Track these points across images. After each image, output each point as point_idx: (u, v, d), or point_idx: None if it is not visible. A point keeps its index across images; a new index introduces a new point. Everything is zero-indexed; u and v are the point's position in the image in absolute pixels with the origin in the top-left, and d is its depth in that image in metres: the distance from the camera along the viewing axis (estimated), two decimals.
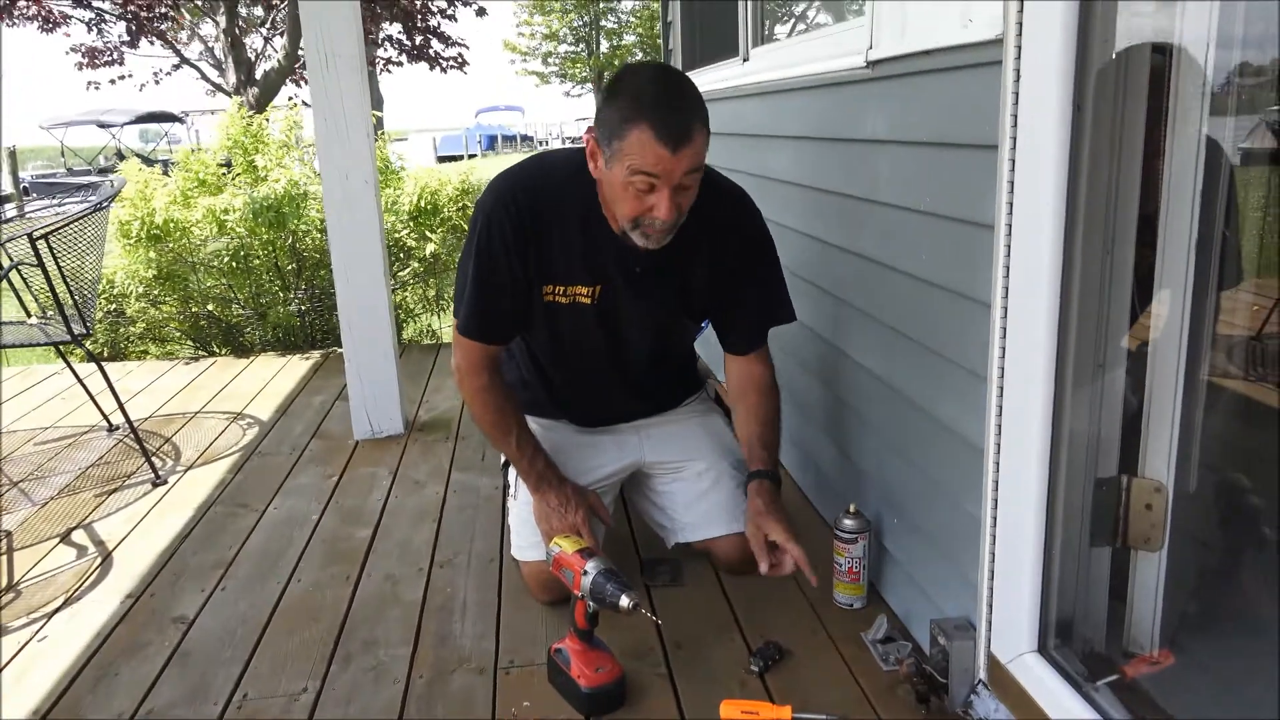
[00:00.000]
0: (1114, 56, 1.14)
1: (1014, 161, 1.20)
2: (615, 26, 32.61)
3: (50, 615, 1.91)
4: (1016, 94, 1.18)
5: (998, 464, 1.32)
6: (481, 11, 14.90)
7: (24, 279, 2.86)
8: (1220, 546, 1.42)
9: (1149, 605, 1.31)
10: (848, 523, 1.76)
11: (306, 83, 2.69)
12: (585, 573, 1.50)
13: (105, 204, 2.79)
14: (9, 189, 12.08)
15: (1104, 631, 1.34)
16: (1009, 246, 1.24)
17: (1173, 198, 1.17)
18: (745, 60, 2.81)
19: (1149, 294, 1.24)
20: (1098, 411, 1.28)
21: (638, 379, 1.92)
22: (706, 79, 3.36)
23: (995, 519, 1.34)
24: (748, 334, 1.87)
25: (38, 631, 1.85)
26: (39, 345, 2.91)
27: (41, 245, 2.44)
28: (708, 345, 2.68)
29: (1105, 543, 1.32)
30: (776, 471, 1.83)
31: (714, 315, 1.90)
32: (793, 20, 3.06)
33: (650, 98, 1.49)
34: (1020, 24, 1.16)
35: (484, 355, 1.77)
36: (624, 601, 1.44)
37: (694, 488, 1.93)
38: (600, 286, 1.73)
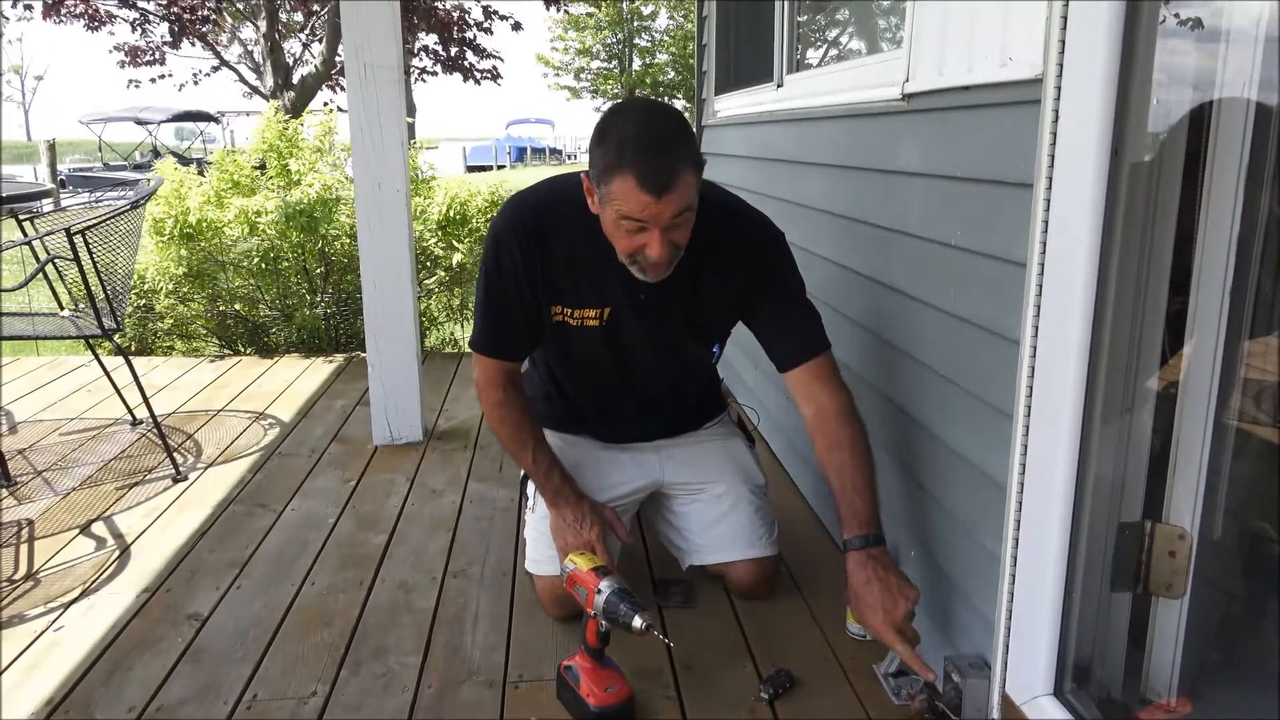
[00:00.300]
0: (1154, 100, 1.14)
1: (1049, 201, 1.20)
2: (649, 45, 32.83)
3: (67, 606, 1.93)
4: (1055, 134, 1.18)
5: (1020, 503, 1.31)
6: (517, 26, 15.05)
7: (59, 271, 2.91)
8: (1244, 596, 1.40)
9: (1168, 653, 1.29)
10: None
11: (342, 89, 2.75)
12: (599, 591, 1.49)
13: (142, 202, 2.83)
14: (48, 183, 12.29)
15: (1121, 677, 1.33)
16: (1040, 285, 1.23)
17: (1208, 242, 1.16)
18: (779, 86, 2.82)
19: (1180, 338, 1.24)
20: (1124, 454, 1.27)
21: (652, 400, 1.93)
22: (739, 103, 3.38)
23: (1015, 558, 1.33)
24: (784, 352, 1.79)
25: (54, 621, 1.87)
26: (69, 338, 2.95)
27: (78, 240, 2.48)
28: (728, 367, 2.68)
29: (1126, 588, 1.30)
30: (872, 534, 1.61)
31: (757, 334, 1.85)
32: (826, 47, 3.07)
33: (633, 144, 1.47)
34: (1061, 65, 1.16)
35: (499, 371, 1.79)
36: (637, 622, 1.44)
37: (712, 511, 1.93)
38: (608, 309, 1.74)
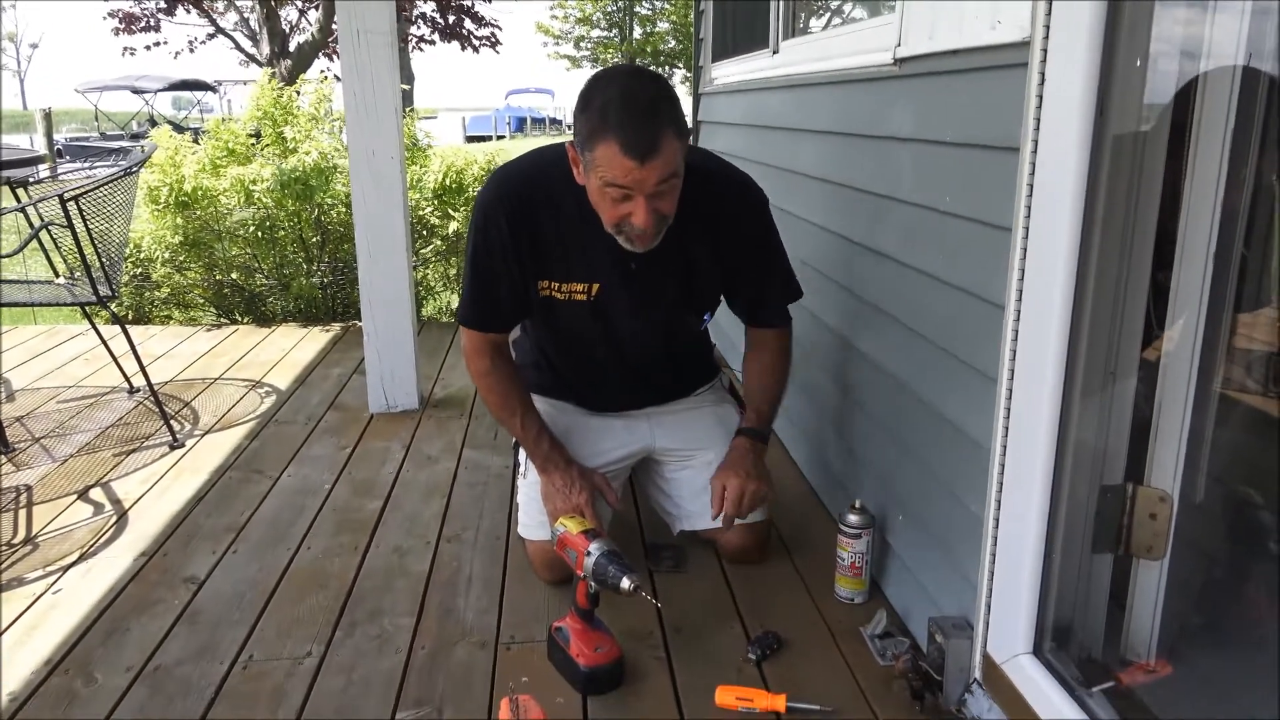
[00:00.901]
0: (1140, 63, 1.14)
1: (1034, 164, 1.20)
2: (649, 13, 32.46)
3: (65, 569, 1.95)
4: (1040, 96, 1.18)
5: (1003, 465, 1.32)
6: None
7: (54, 239, 2.90)
8: (1224, 559, 1.42)
9: (1148, 614, 1.31)
10: (852, 518, 1.76)
11: (339, 56, 2.71)
12: (589, 554, 1.51)
13: (135, 169, 2.83)
14: (43, 150, 12.23)
15: (1101, 638, 1.35)
16: (1025, 249, 1.24)
17: (1192, 210, 1.16)
18: (775, 52, 2.80)
19: (1165, 304, 1.24)
20: (1107, 418, 1.28)
21: (641, 371, 1.93)
22: (736, 70, 3.36)
23: (997, 520, 1.35)
24: (764, 315, 1.90)
25: (53, 584, 1.89)
26: (65, 305, 2.96)
27: (71, 207, 2.48)
28: (719, 331, 2.68)
29: (1107, 549, 1.32)
30: (765, 430, 1.87)
31: (728, 299, 1.90)
32: (826, 14, 3.05)
33: (616, 110, 1.46)
34: (1048, 27, 1.16)
35: (486, 342, 1.80)
36: (625, 583, 1.46)
37: (702, 476, 1.94)
38: (597, 284, 1.74)
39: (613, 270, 1.72)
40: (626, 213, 1.53)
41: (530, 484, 1.88)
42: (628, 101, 1.47)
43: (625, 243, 1.60)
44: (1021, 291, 1.25)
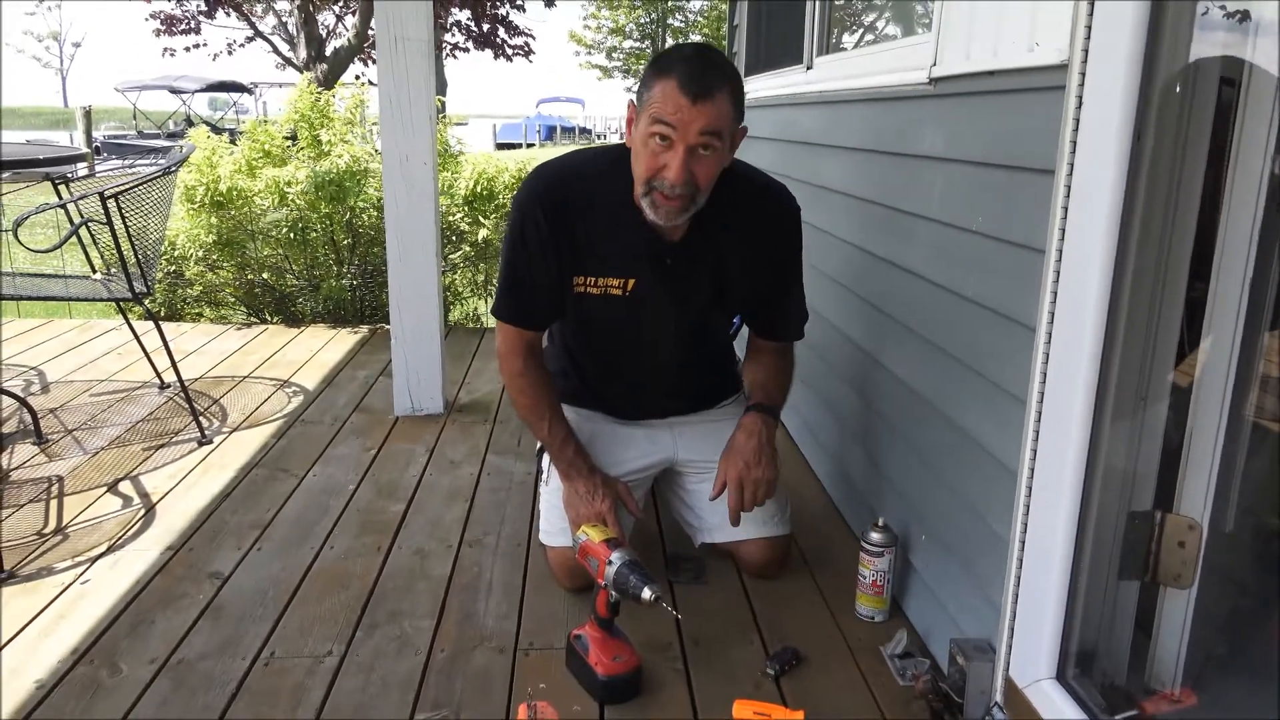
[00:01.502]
0: (1179, 88, 1.13)
1: (1069, 187, 1.20)
2: (682, 25, 32.59)
3: (93, 560, 1.98)
4: (1078, 120, 1.18)
5: (1030, 488, 1.32)
6: (550, 2, 15.00)
7: (92, 235, 2.96)
8: (1253, 589, 1.40)
9: (1174, 643, 1.29)
10: (875, 536, 1.76)
11: (374, 62, 2.75)
12: (610, 562, 1.52)
13: (174, 168, 2.87)
14: (83, 147, 12.45)
15: (1126, 665, 1.33)
16: (1058, 272, 1.23)
17: (1230, 231, 1.15)
18: (809, 68, 2.81)
19: (1198, 329, 1.23)
20: (1137, 444, 1.27)
21: (670, 374, 1.95)
22: (769, 84, 3.37)
23: (1024, 543, 1.34)
24: (782, 330, 1.94)
25: (81, 574, 1.92)
26: (101, 300, 3.01)
27: (111, 205, 2.52)
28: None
29: (1134, 576, 1.31)
30: (775, 409, 1.86)
31: (747, 309, 1.92)
32: (860, 31, 3.05)
33: (682, 57, 1.56)
34: (1086, 50, 1.16)
35: (521, 340, 1.82)
36: (646, 593, 1.46)
37: None
38: (632, 279, 1.76)
39: (648, 266, 1.74)
40: (663, 165, 1.56)
41: (552, 491, 1.89)
42: (697, 54, 1.58)
43: (649, 208, 1.62)
44: (1054, 314, 1.24)
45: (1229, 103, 1.14)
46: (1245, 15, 1.16)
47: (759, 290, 1.86)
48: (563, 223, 1.71)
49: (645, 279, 1.75)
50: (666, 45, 31.86)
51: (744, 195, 1.71)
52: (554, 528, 1.88)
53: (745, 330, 2.02)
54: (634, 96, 1.64)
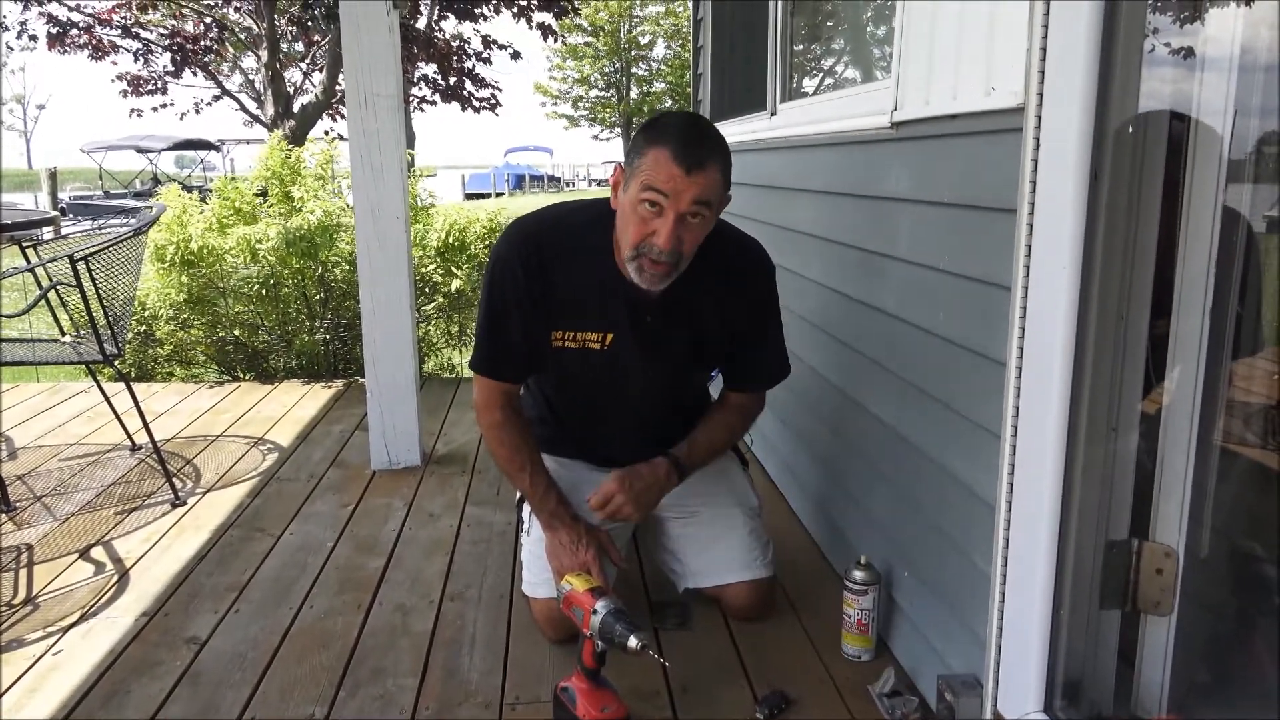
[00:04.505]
0: (1131, 127, 1.18)
1: (1031, 226, 1.23)
2: (646, 74, 33.16)
3: (65, 630, 1.93)
4: (1036, 161, 1.21)
5: (1008, 522, 1.33)
6: (516, 55, 15.18)
7: (60, 298, 2.93)
8: (1232, 614, 1.42)
9: (1157, 670, 1.30)
10: (858, 574, 1.76)
11: (342, 117, 2.79)
12: (595, 611, 1.51)
13: (145, 229, 2.87)
14: (49, 209, 12.37)
15: (1111, 694, 1.34)
16: (1024, 308, 1.26)
17: (1188, 264, 1.19)
18: (773, 114, 2.87)
19: (1164, 358, 1.26)
20: (1110, 474, 1.29)
21: (649, 424, 1.95)
22: (734, 130, 3.43)
23: (1005, 577, 1.35)
24: (750, 378, 1.96)
25: (53, 645, 1.87)
26: (71, 363, 2.97)
27: (80, 267, 2.51)
28: None
29: (1115, 605, 1.32)
30: (687, 467, 1.86)
31: (724, 363, 1.93)
32: (820, 75, 3.12)
33: (677, 128, 1.59)
34: (1041, 94, 1.20)
35: (498, 392, 1.82)
36: (632, 642, 1.45)
37: (706, 533, 1.94)
38: (610, 334, 1.77)
39: (627, 321, 1.75)
40: (652, 230, 1.58)
41: (534, 541, 1.88)
42: (690, 124, 1.62)
43: (636, 272, 1.63)
44: (1023, 349, 1.27)
45: (1179, 138, 1.19)
46: (1190, 51, 1.21)
47: (734, 341, 1.87)
48: (541, 276, 1.72)
49: (624, 334, 1.77)
50: (630, 94, 32.35)
51: (717, 249, 1.73)
52: (537, 578, 1.87)
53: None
54: (622, 160, 1.67)
